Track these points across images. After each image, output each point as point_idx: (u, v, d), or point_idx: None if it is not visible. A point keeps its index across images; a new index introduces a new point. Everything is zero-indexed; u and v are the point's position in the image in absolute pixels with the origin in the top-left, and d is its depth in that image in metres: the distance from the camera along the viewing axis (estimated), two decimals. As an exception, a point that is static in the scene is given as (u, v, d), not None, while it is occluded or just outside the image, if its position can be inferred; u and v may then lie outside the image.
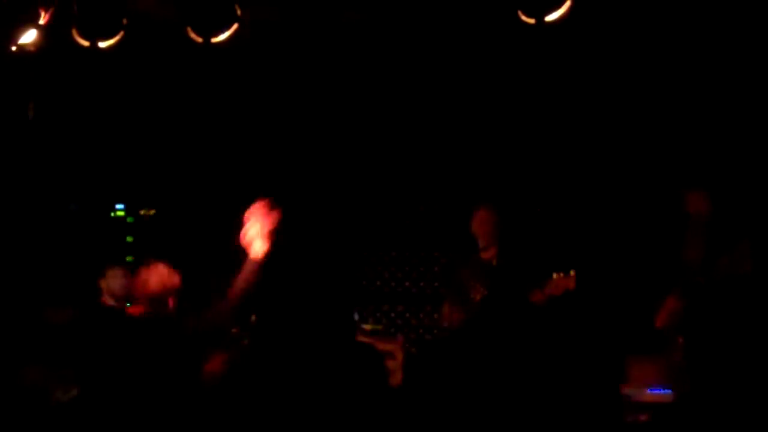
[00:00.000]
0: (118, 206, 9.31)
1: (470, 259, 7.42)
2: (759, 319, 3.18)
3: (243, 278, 5.62)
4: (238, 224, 9.04)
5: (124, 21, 7.08)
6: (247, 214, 5.61)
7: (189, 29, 7.05)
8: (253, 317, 7.74)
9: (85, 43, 7.09)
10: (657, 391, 5.95)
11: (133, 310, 6.13)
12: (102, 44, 7.08)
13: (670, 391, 5.92)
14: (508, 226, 7.70)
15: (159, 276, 5.85)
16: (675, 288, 6.48)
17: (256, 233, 5.59)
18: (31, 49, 7.13)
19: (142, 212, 9.33)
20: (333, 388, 3.41)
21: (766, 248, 6.27)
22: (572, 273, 6.96)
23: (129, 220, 9.32)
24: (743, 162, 7.41)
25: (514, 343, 6.55)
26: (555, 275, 6.95)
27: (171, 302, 5.87)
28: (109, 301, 7.62)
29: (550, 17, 6.59)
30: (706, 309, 3.25)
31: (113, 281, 7.65)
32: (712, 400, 3.06)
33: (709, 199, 6.53)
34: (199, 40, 7.05)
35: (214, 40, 7.03)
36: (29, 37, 7.04)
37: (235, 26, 7.01)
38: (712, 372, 3.12)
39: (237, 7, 7.01)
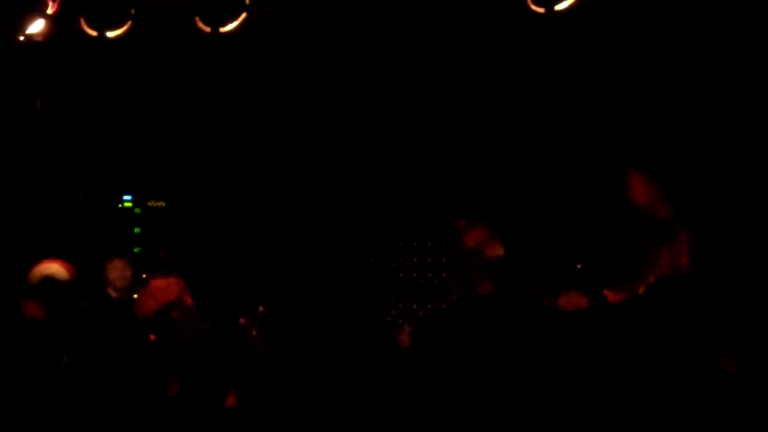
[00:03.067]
0: (126, 197, 9.30)
1: (477, 253, 7.39)
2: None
3: None
4: (246, 216, 9.07)
5: (132, 11, 7.08)
6: None
7: (197, 19, 7.05)
8: (261, 308, 7.74)
9: (93, 33, 7.09)
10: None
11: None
12: (110, 34, 7.08)
13: None
14: (516, 224, 7.71)
15: (156, 296, 5.94)
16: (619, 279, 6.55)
17: None
18: (39, 39, 7.13)
19: (149, 203, 9.33)
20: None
21: (704, 239, 6.30)
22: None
23: (137, 211, 9.32)
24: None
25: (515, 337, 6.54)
26: (572, 291, 6.94)
27: (174, 314, 5.95)
28: (112, 293, 7.64)
29: (560, 6, 6.58)
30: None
31: (112, 273, 7.67)
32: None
33: (649, 184, 6.57)
34: (207, 29, 7.05)
35: (223, 29, 7.03)
36: (37, 26, 7.04)
37: (243, 16, 7.01)
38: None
39: (245, -4, 7.02)
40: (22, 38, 7.03)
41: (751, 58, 7.11)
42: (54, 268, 6.64)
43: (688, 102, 7.50)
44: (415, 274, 8.92)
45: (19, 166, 8.51)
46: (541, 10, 6.65)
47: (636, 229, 6.66)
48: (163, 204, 9.34)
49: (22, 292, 6.12)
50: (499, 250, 7.28)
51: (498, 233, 7.27)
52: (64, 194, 8.97)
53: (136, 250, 9.13)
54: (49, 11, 6.96)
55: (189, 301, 6.06)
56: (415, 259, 8.90)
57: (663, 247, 6.34)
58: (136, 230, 9.29)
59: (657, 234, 6.45)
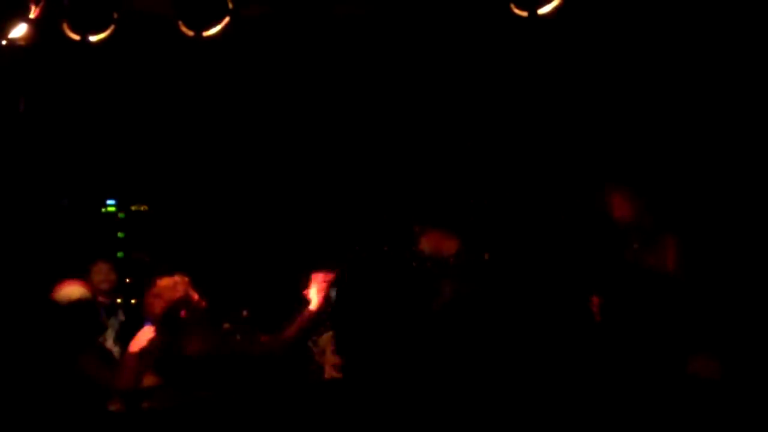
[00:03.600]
0: (109, 202, 9.28)
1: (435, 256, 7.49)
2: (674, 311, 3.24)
3: (299, 325, 6.14)
4: (230, 221, 9.04)
5: (115, 15, 7.06)
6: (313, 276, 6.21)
7: (180, 23, 7.03)
8: (245, 312, 7.73)
9: (76, 37, 7.06)
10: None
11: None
12: (93, 38, 7.06)
13: None
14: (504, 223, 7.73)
15: (163, 295, 5.95)
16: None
17: (316, 291, 6.15)
18: (22, 43, 7.11)
19: (133, 208, 9.30)
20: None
21: (692, 243, 6.33)
22: None
23: (120, 215, 9.29)
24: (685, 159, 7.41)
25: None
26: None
27: (183, 314, 5.96)
28: (97, 296, 7.62)
29: (543, 10, 6.58)
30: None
31: (97, 276, 7.66)
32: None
33: (632, 200, 6.58)
34: (191, 33, 7.03)
35: (206, 33, 7.01)
36: (20, 31, 7.01)
37: (226, 20, 6.99)
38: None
39: (228, 0, 7.00)
40: (4, 42, 7.00)
41: (733, 71, 7.13)
42: (78, 290, 6.65)
43: (670, 108, 7.52)
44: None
45: (1, 170, 8.47)
46: (524, 13, 6.65)
47: (621, 236, 6.66)
48: (147, 208, 9.31)
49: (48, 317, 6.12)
50: (454, 249, 7.32)
51: (454, 233, 7.32)
52: (47, 198, 8.94)
53: (119, 254, 9.10)
54: (32, 15, 6.94)
55: (196, 297, 6.08)
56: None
57: (650, 253, 6.36)
58: (120, 235, 9.26)
59: (643, 241, 6.46)
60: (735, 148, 7.23)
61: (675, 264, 6.28)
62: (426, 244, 7.57)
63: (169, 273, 6.18)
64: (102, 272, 7.72)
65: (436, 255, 7.51)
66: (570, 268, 7.12)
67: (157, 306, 5.91)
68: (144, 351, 5.93)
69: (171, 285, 6.00)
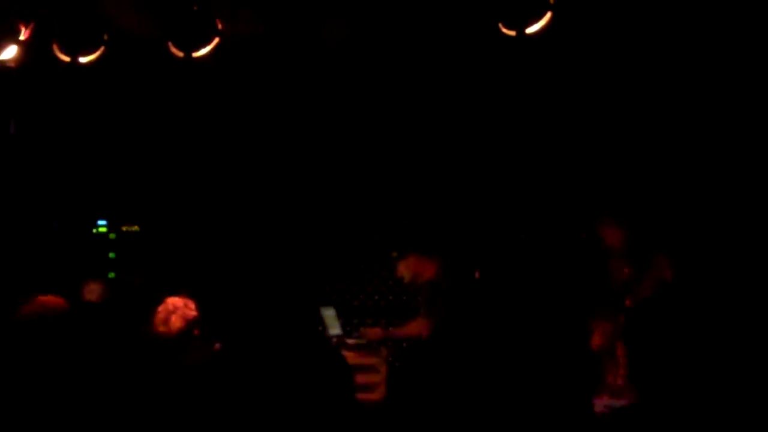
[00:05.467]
0: (100, 222, 9.27)
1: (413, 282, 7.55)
2: (695, 325, 3.21)
3: None
4: (220, 241, 9.04)
5: (105, 36, 7.08)
6: None
7: (170, 44, 7.06)
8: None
9: (66, 59, 7.08)
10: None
11: None
12: (83, 59, 7.09)
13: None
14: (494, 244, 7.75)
15: (179, 312, 6.01)
16: (602, 310, 6.53)
17: None
18: (12, 64, 7.12)
19: (124, 228, 9.29)
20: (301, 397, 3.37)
21: (684, 259, 6.35)
22: None
23: (111, 236, 9.28)
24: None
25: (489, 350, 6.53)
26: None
27: (196, 332, 6.04)
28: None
29: (531, 29, 6.61)
30: (644, 325, 3.27)
31: (90, 296, 7.63)
32: (660, 411, 3.07)
33: (620, 229, 6.60)
34: (181, 54, 7.05)
35: (196, 54, 7.04)
36: (10, 52, 7.03)
37: (216, 41, 7.02)
38: (658, 384, 3.14)
39: (218, 21, 7.02)
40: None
41: (719, 88, 7.17)
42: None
43: (657, 125, 7.54)
44: (391, 297, 8.92)
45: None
46: (512, 33, 6.67)
47: (613, 258, 6.67)
48: (138, 229, 9.30)
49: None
50: (434, 273, 7.35)
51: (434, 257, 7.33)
52: (38, 220, 8.93)
53: (110, 275, 9.08)
54: (22, 37, 6.96)
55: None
56: (390, 282, 8.87)
57: (644, 273, 6.37)
58: (111, 255, 9.25)
59: (637, 265, 6.46)
60: (722, 163, 7.26)
61: (672, 280, 6.30)
62: (405, 270, 7.59)
63: (176, 293, 6.25)
64: (95, 292, 7.69)
65: (415, 280, 7.55)
66: (556, 296, 7.15)
67: (176, 323, 5.99)
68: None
69: (183, 303, 6.09)
